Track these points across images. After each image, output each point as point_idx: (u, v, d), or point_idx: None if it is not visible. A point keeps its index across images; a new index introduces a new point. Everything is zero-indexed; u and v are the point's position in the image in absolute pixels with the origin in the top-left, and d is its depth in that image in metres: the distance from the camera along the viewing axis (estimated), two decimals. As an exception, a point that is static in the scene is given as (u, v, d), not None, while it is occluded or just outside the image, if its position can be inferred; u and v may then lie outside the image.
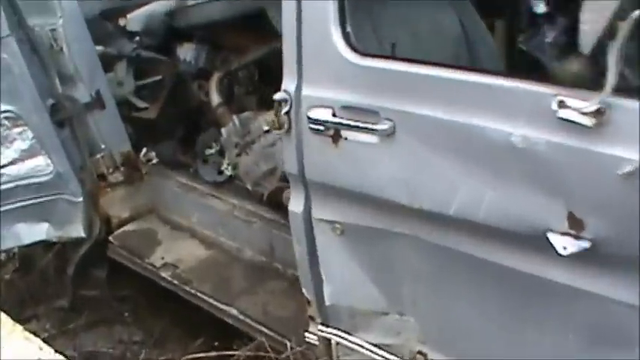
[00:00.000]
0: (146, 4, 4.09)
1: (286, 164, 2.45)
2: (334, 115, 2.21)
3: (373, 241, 2.39)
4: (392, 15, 2.55)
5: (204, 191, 3.69)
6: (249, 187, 3.49)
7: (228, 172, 3.68)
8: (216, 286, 3.38)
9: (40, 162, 3.60)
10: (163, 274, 3.53)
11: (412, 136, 2.07)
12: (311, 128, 2.28)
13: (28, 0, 3.41)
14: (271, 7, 3.59)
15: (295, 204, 2.51)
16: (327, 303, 2.61)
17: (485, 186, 1.96)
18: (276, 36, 3.74)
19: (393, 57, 2.19)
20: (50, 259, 4.14)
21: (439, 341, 2.44)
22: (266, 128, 3.45)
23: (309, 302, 2.68)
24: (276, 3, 3.63)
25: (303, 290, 2.67)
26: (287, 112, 2.33)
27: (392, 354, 2.54)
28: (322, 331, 2.71)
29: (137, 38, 4.13)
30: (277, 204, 3.34)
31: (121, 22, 4.10)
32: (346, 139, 2.22)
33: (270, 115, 3.45)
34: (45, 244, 3.99)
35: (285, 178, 3.34)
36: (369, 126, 2.13)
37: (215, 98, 3.78)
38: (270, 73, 4.11)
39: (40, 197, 3.71)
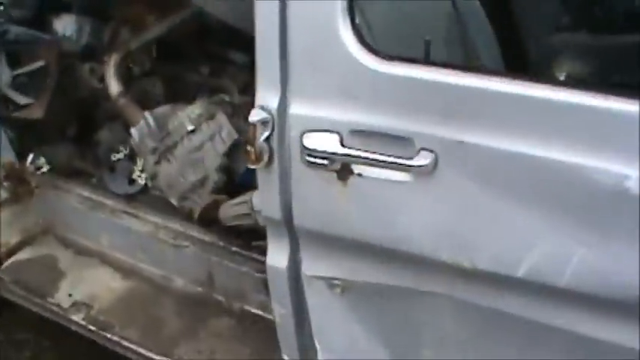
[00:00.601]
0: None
1: (265, 207, 1.79)
2: (342, 143, 1.57)
3: (386, 301, 1.80)
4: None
5: (116, 207, 2.94)
6: (174, 202, 2.79)
7: (142, 182, 2.96)
8: (145, 330, 2.68)
9: None
10: (75, 318, 2.78)
11: (464, 174, 1.49)
12: (307, 161, 1.62)
13: None
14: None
15: (276, 257, 1.85)
16: (324, 374, 1.99)
17: (575, 242, 1.44)
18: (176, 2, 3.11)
19: (431, 62, 1.55)
20: None
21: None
22: (190, 128, 2.75)
23: (293, 373, 2.05)
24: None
25: (285, 359, 2.04)
26: (267, 139, 1.66)
27: None
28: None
29: (1, 8, 3.28)
30: (212, 222, 2.68)
31: (-21, -13, 3.26)
32: (360, 175, 1.59)
33: (194, 109, 2.82)
34: None
35: (218, 189, 2.72)
36: (400, 160, 1.51)
37: (115, 86, 3.02)
38: (169, 48, 3.41)
39: None
